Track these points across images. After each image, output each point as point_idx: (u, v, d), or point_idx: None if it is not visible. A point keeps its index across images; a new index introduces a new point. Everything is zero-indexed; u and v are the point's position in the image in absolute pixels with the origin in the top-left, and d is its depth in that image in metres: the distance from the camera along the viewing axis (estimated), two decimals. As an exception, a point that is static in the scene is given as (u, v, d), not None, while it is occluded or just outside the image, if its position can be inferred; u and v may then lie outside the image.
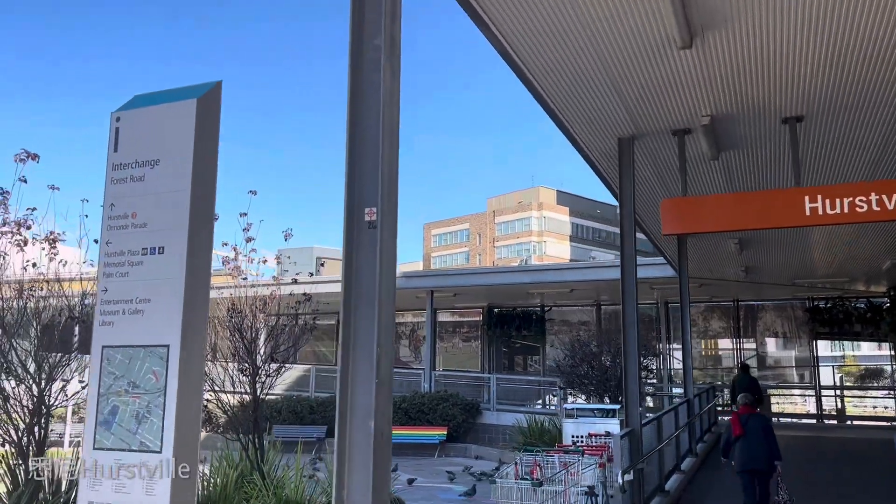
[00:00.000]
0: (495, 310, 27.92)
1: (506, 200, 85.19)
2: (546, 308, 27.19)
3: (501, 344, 28.19)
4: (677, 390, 20.29)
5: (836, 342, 25.10)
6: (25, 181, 6.64)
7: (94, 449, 3.26)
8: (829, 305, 23.27)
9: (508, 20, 6.62)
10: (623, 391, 9.53)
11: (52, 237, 6.95)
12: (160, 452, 3.12)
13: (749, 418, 9.11)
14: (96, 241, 3.61)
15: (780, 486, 8.59)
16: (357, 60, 3.57)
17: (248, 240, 9.11)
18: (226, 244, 9.16)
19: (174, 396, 3.14)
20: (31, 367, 6.70)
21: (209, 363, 11.77)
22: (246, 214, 8.95)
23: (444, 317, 28.43)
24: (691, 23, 6.60)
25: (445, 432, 21.68)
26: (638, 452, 8.98)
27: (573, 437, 11.03)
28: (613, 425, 11.05)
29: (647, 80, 7.80)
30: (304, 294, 9.81)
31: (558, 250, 76.16)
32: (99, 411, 3.29)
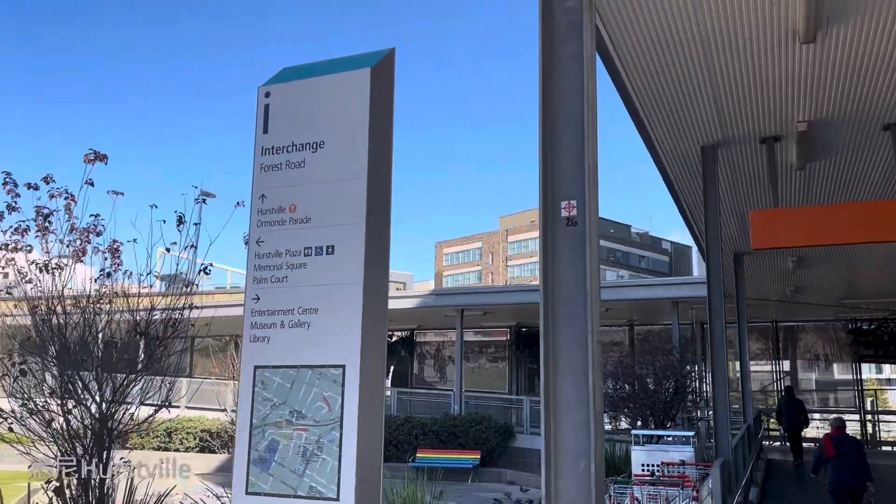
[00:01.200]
0: (523, 329, 27.25)
1: (518, 219, 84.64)
2: (576, 328, 26.47)
3: (529, 365, 27.48)
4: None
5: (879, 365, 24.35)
6: (92, 184, 6.09)
7: (249, 494, 2.65)
8: (873, 327, 22.54)
9: (619, 22, 6.14)
10: (714, 416, 8.88)
11: (114, 246, 6.37)
12: (337, 500, 2.50)
13: (842, 439, 9.13)
14: (246, 242, 3.00)
15: None
16: (548, 28, 3.01)
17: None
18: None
19: (354, 429, 2.53)
20: (93, 388, 6.11)
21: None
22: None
23: (469, 336, 27.76)
24: (820, 13, 6.06)
25: (479, 456, 20.93)
26: (728, 481, 8.34)
27: (644, 465, 10.33)
28: (686, 453, 10.35)
29: (752, 81, 7.25)
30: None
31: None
32: (252, 447, 2.68)
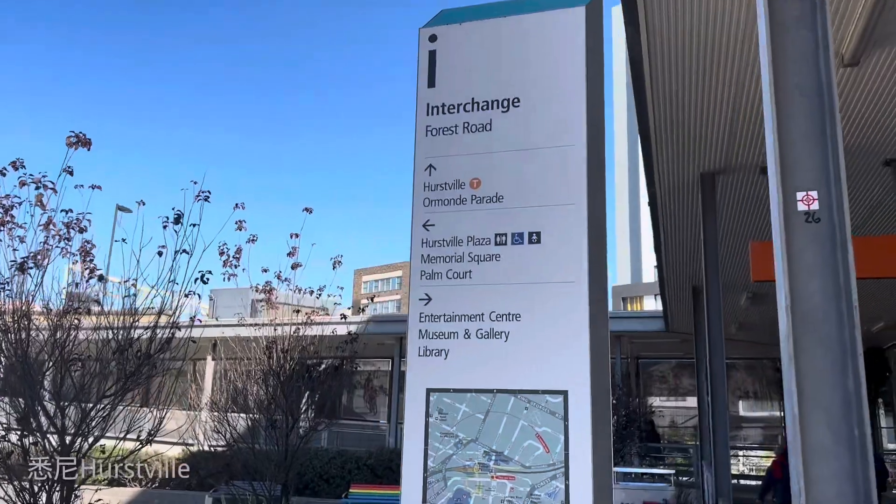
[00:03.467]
0: (458, 360, 26.66)
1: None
2: (513, 360, 26.13)
3: (463, 396, 26.87)
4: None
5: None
6: (72, 173, 5.12)
7: (424, 565, 1.93)
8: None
9: (664, 45, 5.77)
10: (714, 455, 8.52)
11: (86, 248, 5.37)
12: (566, 575, 1.82)
13: (787, 464, 9.90)
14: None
15: None
16: None
17: (295, 266, 7.68)
18: (265, 270, 7.69)
19: (586, 479, 1.87)
20: (58, 419, 5.10)
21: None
22: (298, 235, 7.56)
23: (403, 366, 26.86)
24: (869, 37, 5.89)
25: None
26: (727, 525, 7.98)
27: (624, 504, 9.88)
28: (667, 492, 9.98)
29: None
30: (350, 333, 8.40)
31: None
32: (427, 499, 1.97)
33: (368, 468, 20.78)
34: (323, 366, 8.41)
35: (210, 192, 5.33)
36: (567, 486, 1.86)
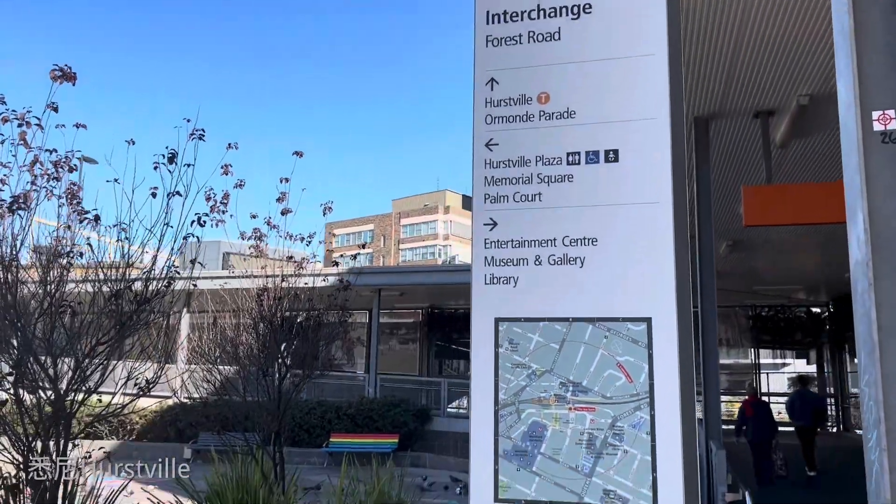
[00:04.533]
0: (436, 310, 26.73)
1: (411, 203, 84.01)
2: (490, 310, 26.25)
3: (441, 346, 27.04)
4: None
5: (778, 350, 25.68)
6: (56, 109, 4.80)
7: (498, 501, 1.82)
8: (770, 314, 23.69)
9: None
10: (704, 402, 8.60)
11: (72, 190, 5.08)
12: (654, 509, 1.73)
13: (757, 403, 12.34)
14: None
15: (777, 453, 11.32)
16: None
17: (285, 212, 7.44)
18: (254, 216, 7.44)
19: (673, 408, 1.76)
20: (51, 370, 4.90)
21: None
22: (288, 180, 7.31)
23: (381, 318, 26.91)
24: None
25: (397, 440, 20.20)
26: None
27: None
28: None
29: (777, 44, 6.90)
30: (341, 280, 8.25)
31: (464, 255, 75.76)
32: (500, 434, 1.85)
33: (349, 417, 20.90)
34: (314, 315, 8.27)
35: (204, 131, 5.07)
36: (653, 417, 1.76)
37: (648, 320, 1.79)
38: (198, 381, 8.85)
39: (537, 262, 1.90)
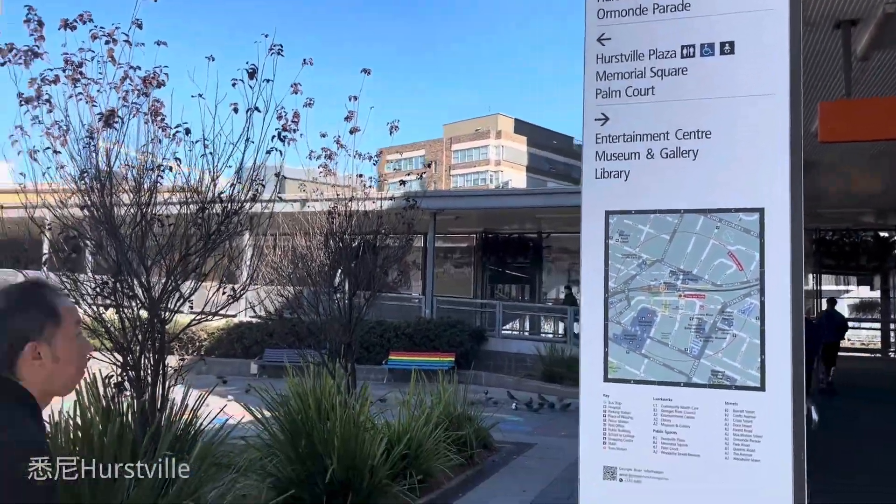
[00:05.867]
0: (490, 235, 26.85)
1: (462, 127, 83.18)
2: (544, 235, 26.24)
3: (495, 271, 27.28)
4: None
5: (841, 276, 25.15)
6: (141, 26, 4.92)
7: (609, 381, 1.94)
8: (835, 238, 23.08)
9: None
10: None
11: (156, 107, 5.23)
12: (761, 390, 1.82)
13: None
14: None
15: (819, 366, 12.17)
16: None
17: (353, 131, 7.53)
18: (324, 135, 7.55)
19: (784, 296, 1.83)
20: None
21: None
22: (356, 98, 7.37)
23: (436, 242, 27.20)
24: None
25: (454, 359, 20.74)
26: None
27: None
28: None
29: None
30: (409, 200, 8.38)
31: (515, 180, 75.19)
32: (610, 319, 1.95)
33: (407, 336, 21.52)
34: (381, 235, 8.46)
35: (282, 46, 5.14)
36: (762, 303, 1.82)
37: (761, 211, 1.84)
38: (270, 298, 9.22)
39: (649, 156, 1.95)
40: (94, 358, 5.16)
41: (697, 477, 1.82)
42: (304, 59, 5.68)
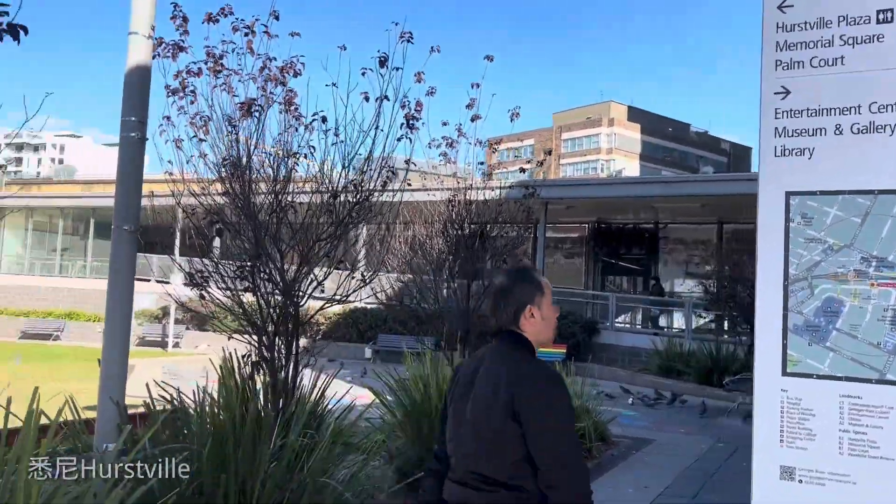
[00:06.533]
0: (602, 225, 26.26)
1: (572, 116, 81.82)
2: (660, 225, 25.38)
3: (607, 262, 26.67)
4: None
5: None
6: (278, 17, 5.10)
7: (788, 375, 1.80)
8: None
9: None
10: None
11: (289, 97, 5.39)
12: (970, 388, 1.64)
13: None
14: None
15: None
16: None
17: (475, 118, 7.50)
18: (445, 123, 7.56)
19: None
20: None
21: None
22: (479, 85, 7.34)
23: (547, 231, 26.89)
24: None
25: (565, 350, 20.49)
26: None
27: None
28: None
29: None
30: (528, 188, 8.29)
31: (628, 169, 73.21)
32: (789, 309, 1.81)
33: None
34: (498, 224, 8.41)
35: (412, 34, 5.17)
36: (972, 294, 1.64)
37: (971, 191, 1.65)
38: (391, 284, 9.40)
39: (837, 132, 1.79)
40: (234, 338, 5.46)
41: (891, 482, 1.66)
42: (432, 47, 5.69)
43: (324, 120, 4.90)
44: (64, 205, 30.77)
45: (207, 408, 4.46)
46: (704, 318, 21.02)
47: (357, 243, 5.96)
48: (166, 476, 3.68)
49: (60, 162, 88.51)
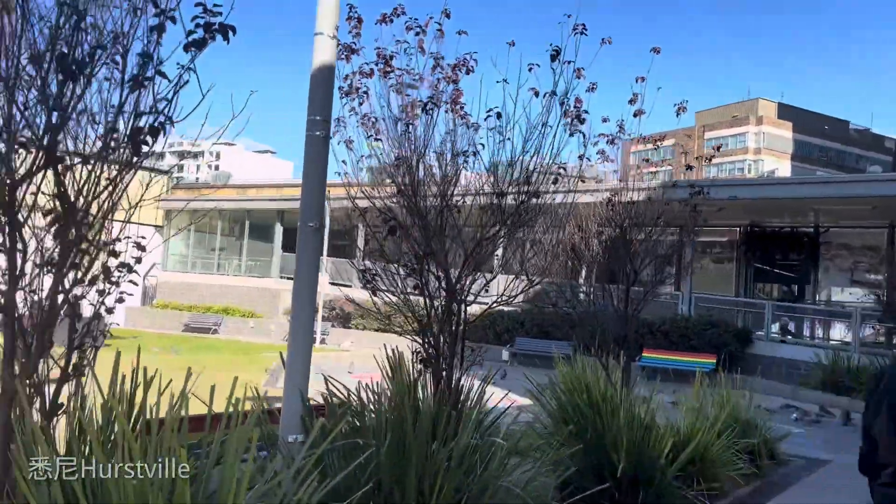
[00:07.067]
0: (755, 229, 24.70)
1: (716, 114, 77.95)
2: (821, 229, 23.53)
3: (760, 268, 25.05)
4: None
5: None
6: (449, 15, 5.07)
7: None
8: None
9: None
10: None
11: (455, 97, 5.36)
12: None
13: None
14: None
15: None
16: None
17: (637, 114, 7.19)
18: (605, 120, 7.29)
19: None
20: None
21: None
22: (644, 79, 7.02)
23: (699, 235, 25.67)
24: None
25: (714, 361, 19.43)
26: None
27: None
28: None
29: None
30: (692, 186, 7.86)
31: (781, 169, 68.71)
32: None
33: (662, 334, 20.60)
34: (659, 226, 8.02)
35: (585, 26, 4.99)
36: None
37: None
38: (542, 287, 9.20)
39: None
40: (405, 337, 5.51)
41: None
42: (603, 39, 5.48)
43: (499, 116, 4.81)
44: (223, 207, 32.91)
45: (384, 404, 4.48)
46: (877, 329, 19.26)
47: (524, 245, 5.83)
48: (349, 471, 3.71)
49: (216, 168, 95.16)
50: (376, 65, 5.32)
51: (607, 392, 6.98)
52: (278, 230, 32.16)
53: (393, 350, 5.64)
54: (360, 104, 5.43)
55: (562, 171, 5.13)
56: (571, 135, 5.14)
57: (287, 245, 31.75)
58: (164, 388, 3.25)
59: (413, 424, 4.20)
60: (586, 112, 5.66)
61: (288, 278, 31.78)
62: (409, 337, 5.39)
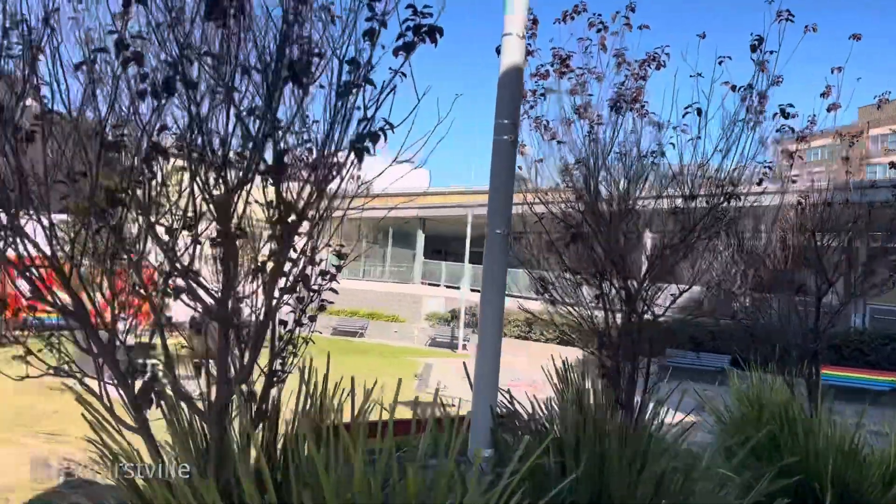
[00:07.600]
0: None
1: (886, 110, 71.29)
2: None
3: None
4: None
5: None
6: (633, 9, 4.78)
7: None
8: None
9: None
10: None
11: (636, 95, 5.01)
12: None
13: None
14: None
15: None
16: None
17: (832, 108, 6.50)
18: (788, 115, 6.66)
19: None
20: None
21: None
22: (840, 69, 6.35)
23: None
24: None
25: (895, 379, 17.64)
26: None
27: None
28: None
29: None
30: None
31: (959, 169, 61.59)
32: None
33: (833, 349, 18.89)
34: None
35: (790, 12, 4.52)
36: None
37: None
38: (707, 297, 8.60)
39: None
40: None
41: None
42: (807, 26, 4.94)
43: (699, 112, 4.45)
44: (368, 216, 33.94)
45: (571, 422, 4.24)
46: None
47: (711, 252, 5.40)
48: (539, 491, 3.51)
49: (358, 178, 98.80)
50: (552, 65, 5.13)
51: (796, 411, 6.40)
52: (420, 237, 32.74)
53: (563, 361, 5.40)
54: (532, 107, 5.28)
55: (766, 170, 4.67)
56: (778, 131, 4.66)
57: (427, 251, 32.30)
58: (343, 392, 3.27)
59: (616, 448, 3.93)
60: (791, 106, 5.16)
61: (431, 284, 32.32)
62: (587, 350, 5.12)
